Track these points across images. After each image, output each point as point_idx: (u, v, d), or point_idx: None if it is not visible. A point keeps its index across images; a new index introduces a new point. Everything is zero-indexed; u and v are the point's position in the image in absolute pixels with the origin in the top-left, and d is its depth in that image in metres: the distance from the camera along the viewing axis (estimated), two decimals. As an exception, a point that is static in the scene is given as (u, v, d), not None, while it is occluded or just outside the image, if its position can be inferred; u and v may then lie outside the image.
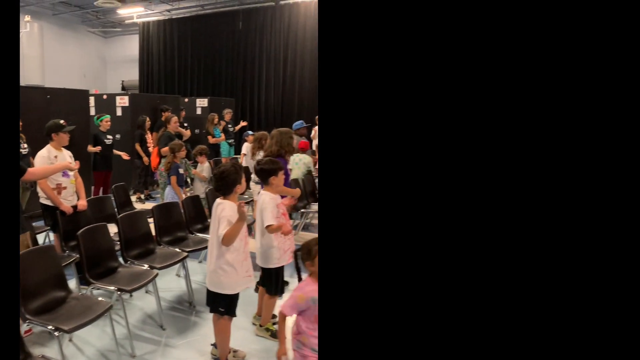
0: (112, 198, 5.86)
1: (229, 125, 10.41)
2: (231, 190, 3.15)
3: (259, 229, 3.56)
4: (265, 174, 3.58)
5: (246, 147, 8.18)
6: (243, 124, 11.13)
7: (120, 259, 4.09)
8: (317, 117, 10.27)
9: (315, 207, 6.64)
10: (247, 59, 14.97)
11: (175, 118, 7.97)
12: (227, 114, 10.53)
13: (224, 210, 3.05)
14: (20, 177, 3.49)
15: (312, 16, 13.56)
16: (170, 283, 4.85)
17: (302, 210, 6.53)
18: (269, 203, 3.47)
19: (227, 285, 3.13)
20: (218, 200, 3.16)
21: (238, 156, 9.26)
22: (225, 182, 3.13)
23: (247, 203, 6.73)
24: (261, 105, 14.80)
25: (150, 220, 4.69)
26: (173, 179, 5.85)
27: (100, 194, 7.17)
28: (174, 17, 16.09)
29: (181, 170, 5.97)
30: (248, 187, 6.76)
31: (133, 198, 7.81)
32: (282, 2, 14.01)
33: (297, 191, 4.92)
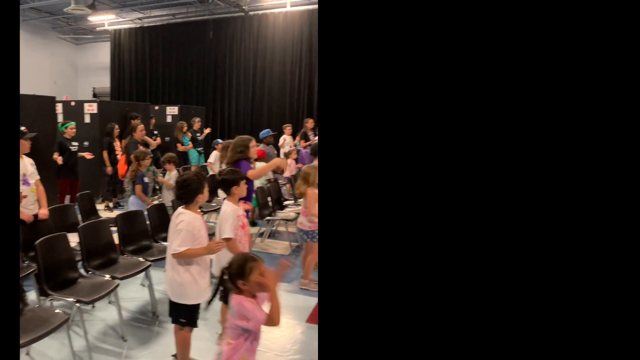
0: (77, 207, 5.77)
1: (198, 134, 10.38)
2: (193, 200, 3.13)
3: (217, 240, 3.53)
4: (228, 184, 3.56)
5: (214, 156, 8.15)
6: (207, 131, 11.11)
7: (82, 270, 4.02)
8: (284, 125, 10.30)
9: (281, 214, 6.64)
10: (217, 68, 15.04)
11: (141, 126, 7.90)
12: (197, 122, 10.50)
13: (182, 223, 3.03)
14: None
15: (280, 27, 13.74)
16: (134, 293, 4.77)
17: (268, 217, 6.50)
18: (230, 215, 3.46)
19: (189, 296, 3.10)
20: (180, 209, 3.14)
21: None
22: (188, 190, 3.10)
23: (215, 211, 6.68)
24: (231, 113, 14.86)
25: (115, 229, 4.62)
26: (138, 187, 5.79)
27: (67, 202, 7.05)
28: (145, 25, 16.02)
29: (146, 179, 5.91)
30: (216, 195, 6.72)
31: (101, 206, 7.69)
32: (251, 13, 14.07)
33: (279, 160, 5.03)
